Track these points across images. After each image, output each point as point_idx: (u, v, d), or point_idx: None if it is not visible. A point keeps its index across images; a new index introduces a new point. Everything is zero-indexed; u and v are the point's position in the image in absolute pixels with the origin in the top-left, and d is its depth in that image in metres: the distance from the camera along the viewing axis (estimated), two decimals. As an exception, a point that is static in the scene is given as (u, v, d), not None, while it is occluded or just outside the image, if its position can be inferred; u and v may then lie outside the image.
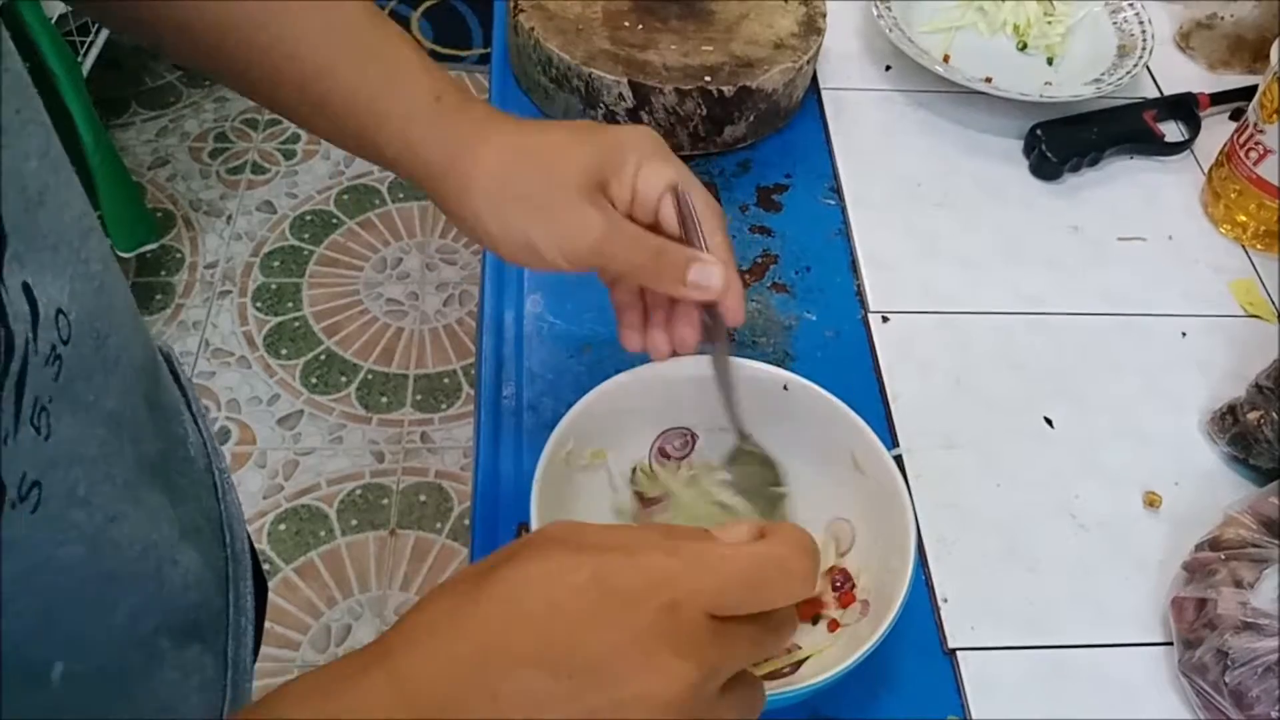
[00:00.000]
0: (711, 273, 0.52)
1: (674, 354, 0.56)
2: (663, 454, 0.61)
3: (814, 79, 0.90)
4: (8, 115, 0.35)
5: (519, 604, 0.32)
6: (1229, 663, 0.53)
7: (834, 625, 0.56)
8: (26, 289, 0.35)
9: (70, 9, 1.73)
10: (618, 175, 0.52)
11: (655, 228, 0.53)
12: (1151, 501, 0.66)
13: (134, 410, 0.45)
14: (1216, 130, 0.88)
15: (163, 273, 1.95)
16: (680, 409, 0.60)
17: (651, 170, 0.52)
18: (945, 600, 0.60)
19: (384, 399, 1.81)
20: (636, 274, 0.53)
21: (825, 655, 0.54)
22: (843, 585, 0.57)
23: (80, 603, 0.40)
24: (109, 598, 0.42)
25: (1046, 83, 0.90)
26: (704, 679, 0.32)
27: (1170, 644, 0.58)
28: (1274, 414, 0.65)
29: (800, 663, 0.54)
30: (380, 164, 0.54)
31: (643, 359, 0.58)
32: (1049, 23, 0.95)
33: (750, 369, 0.60)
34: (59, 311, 0.37)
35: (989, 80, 0.86)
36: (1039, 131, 0.85)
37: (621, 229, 0.51)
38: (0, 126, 0.35)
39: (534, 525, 0.51)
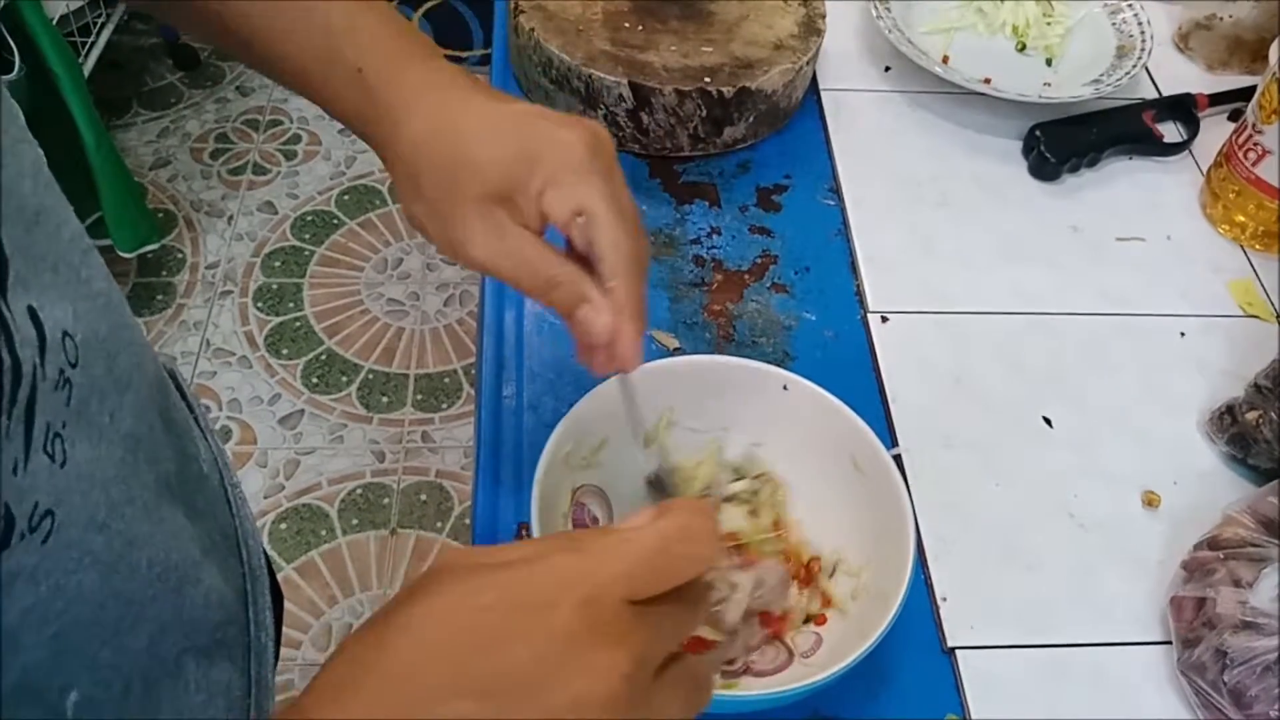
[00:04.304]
0: (594, 320, 0.49)
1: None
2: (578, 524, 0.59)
3: (814, 80, 0.90)
4: (3, 136, 0.35)
5: (426, 639, 0.31)
6: (1228, 662, 0.53)
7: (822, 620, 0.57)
8: (32, 313, 0.35)
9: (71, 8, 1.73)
10: (523, 192, 0.48)
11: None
12: (1150, 501, 0.66)
13: (150, 428, 0.45)
14: (1215, 131, 0.89)
15: (164, 273, 1.96)
16: (680, 408, 0.61)
17: (557, 194, 0.48)
18: (944, 599, 0.60)
19: (385, 399, 1.81)
20: (530, 295, 0.50)
21: (823, 655, 0.54)
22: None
23: (97, 629, 0.40)
24: (127, 622, 0.42)
25: (1046, 83, 0.90)
26: (636, 666, 0.31)
27: (1169, 643, 0.58)
28: (1273, 414, 0.65)
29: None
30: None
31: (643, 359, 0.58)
32: (1048, 23, 0.95)
33: (750, 369, 0.60)
34: (65, 334, 0.37)
35: (988, 81, 0.86)
36: (1038, 132, 0.85)
37: (511, 250, 0.49)
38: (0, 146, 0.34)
39: (534, 525, 0.52)
